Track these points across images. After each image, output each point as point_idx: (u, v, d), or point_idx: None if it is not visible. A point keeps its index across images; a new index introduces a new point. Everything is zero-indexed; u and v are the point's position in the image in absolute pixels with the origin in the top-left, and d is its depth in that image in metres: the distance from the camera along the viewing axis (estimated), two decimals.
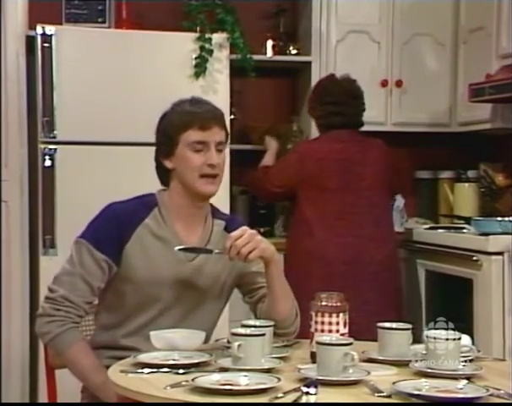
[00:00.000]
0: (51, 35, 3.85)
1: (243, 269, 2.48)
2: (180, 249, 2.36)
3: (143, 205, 2.45)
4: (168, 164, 2.44)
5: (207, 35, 4.05)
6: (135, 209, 2.44)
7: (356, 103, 3.85)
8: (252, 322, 2.24)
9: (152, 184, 2.53)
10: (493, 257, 3.54)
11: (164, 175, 2.48)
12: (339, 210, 3.71)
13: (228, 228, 2.51)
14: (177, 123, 2.41)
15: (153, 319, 2.41)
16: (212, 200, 2.60)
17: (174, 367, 2.05)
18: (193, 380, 1.89)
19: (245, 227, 2.35)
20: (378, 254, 3.72)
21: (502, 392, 1.86)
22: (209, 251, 2.38)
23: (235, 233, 2.30)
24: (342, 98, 3.81)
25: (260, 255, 2.33)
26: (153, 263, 2.40)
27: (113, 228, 2.38)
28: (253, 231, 2.33)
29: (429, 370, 2.00)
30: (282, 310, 2.41)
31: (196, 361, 2.09)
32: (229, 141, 3.97)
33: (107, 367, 2.17)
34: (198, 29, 4.11)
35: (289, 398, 1.80)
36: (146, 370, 2.04)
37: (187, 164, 2.40)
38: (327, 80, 3.99)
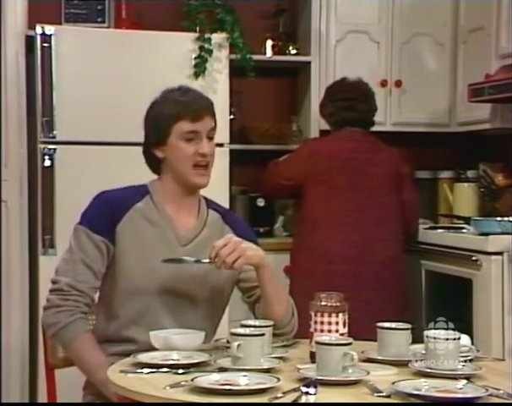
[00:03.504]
0: (50, 35, 3.85)
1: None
2: (165, 261, 2.35)
3: (135, 192, 2.49)
4: (159, 154, 2.46)
5: (206, 35, 4.05)
6: (127, 195, 2.48)
7: (367, 100, 3.90)
8: (251, 322, 2.25)
9: None
10: (493, 257, 3.54)
11: (155, 164, 2.50)
12: (345, 208, 3.73)
13: (227, 220, 2.55)
14: (168, 114, 2.42)
15: (148, 305, 2.40)
16: (212, 200, 2.61)
17: (173, 367, 2.05)
18: (192, 380, 1.89)
19: (230, 235, 2.36)
20: (381, 254, 3.73)
21: (501, 391, 1.86)
22: (196, 261, 2.35)
23: (219, 243, 2.30)
24: (353, 95, 3.86)
25: (246, 262, 2.33)
26: (144, 246, 2.41)
27: (105, 210, 2.42)
28: (238, 239, 2.32)
29: (429, 370, 2.00)
30: (277, 312, 2.41)
31: (196, 361, 2.09)
32: (228, 141, 4.06)
33: (111, 364, 2.18)
34: (197, 29, 4.11)
35: (288, 398, 1.80)
36: (146, 370, 2.04)
37: (179, 154, 2.42)
38: (339, 81, 4.02)
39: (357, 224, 3.72)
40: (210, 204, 2.57)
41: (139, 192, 2.49)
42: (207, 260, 2.32)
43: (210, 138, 2.46)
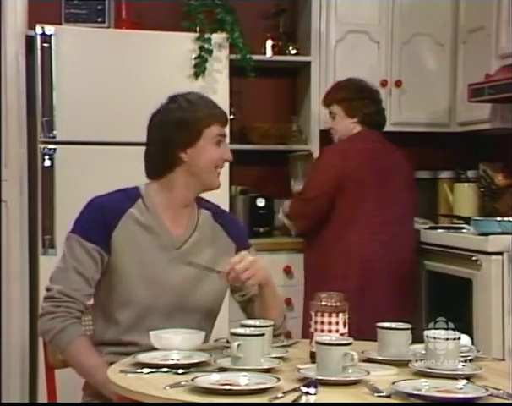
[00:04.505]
0: (50, 35, 3.85)
1: None
2: (189, 264, 2.39)
3: (127, 197, 2.49)
4: (184, 156, 2.45)
5: (206, 35, 4.05)
6: (119, 199, 2.48)
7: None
8: (251, 322, 2.25)
9: None
10: (493, 257, 3.54)
11: (165, 166, 2.48)
12: (375, 207, 3.74)
13: (218, 219, 2.57)
14: (200, 117, 2.45)
15: (146, 309, 2.41)
16: (211, 200, 2.61)
17: (173, 367, 2.05)
18: (192, 380, 1.89)
19: (245, 253, 2.38)
20: (404, 253, 3.81)
21: (501, 391, 1.86)
22: (212, 270, 2.41)
23: (234, 259, 2.34)
24: (380, 99, 3.96)
25: (258, 282, 2.39)
26: (139, 251, 2.42)
27: (99, 217, 2.42)
28: (253, 257, 2.37)
29: (429, 370, 2.00)
30: (271, 317, 2.41)
31: (196, 361, 2.10)
32: (228, 141, 4.05)
33: (109, 363, 2.20)
34: (197, 29, 4.11)
35: (288, 398, 1.80)
36: (146, 370, 2.04)
37: (207, 156, 2.45)
38: (362, 80, 3.96)
39: (385, 223, 3.75)
40: (201, 202, 2.58)
41: (130, 196, 2.49)
42: (219, 270, 2.36)
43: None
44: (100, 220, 2.41)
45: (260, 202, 4.45)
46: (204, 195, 2.56)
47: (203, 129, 2.44)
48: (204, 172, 2.46)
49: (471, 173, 4.62)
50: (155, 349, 2.20)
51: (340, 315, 2.11)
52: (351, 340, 2.01)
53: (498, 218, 3.77)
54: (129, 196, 2.49)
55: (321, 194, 3.75)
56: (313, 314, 2.13)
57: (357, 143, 3.82)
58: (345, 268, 3.68)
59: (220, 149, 2.47)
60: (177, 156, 2.45)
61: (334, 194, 3.72)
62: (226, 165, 4.04)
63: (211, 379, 1.91)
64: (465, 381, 1.92)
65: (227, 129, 2.58)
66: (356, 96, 3.88)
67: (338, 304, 2.12)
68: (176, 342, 2.20)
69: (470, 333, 2.63)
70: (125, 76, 3.96)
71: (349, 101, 3.87)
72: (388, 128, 4.37)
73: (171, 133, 2.45)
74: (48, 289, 2.41)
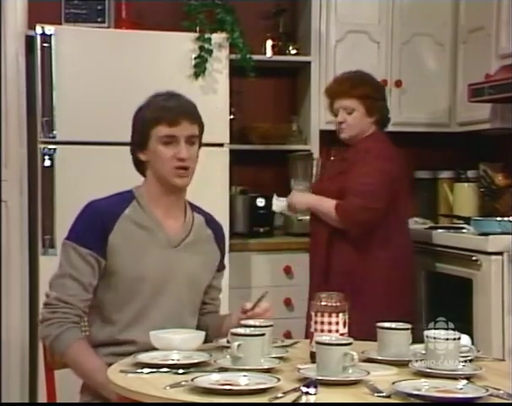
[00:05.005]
0: (50, 35, 3.85)
1: (210, 281, 2.60)
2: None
3: (122, 199, 2.51)
4: (142, 157, 2.50)
5: (206, 35, 4.05)
6: (115, 202, 2.50)
7: None
8: (251, 322, 2.25)
9: None
10: (493, 257, 3.54)
11: (140, 166, 2.54)
12: (407, 208, 3.68)
13: (210, 225, 2.61)
14: (148, 118, 2.47)
15: (144, 307, 2.43)
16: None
17: (174, 367, 2.06)
18: (192, 380, 1.89)
19: (268, 306, 2.41)
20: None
21: (501, 392, 1.86)
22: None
23: (263, 307, 2.39)
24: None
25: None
26: (137, 251, 2.43)
27: (95, 223, 2.43)
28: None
29: (429, 370, 2.00)
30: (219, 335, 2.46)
31: (196, 361, 2.10)
32: (228, 141, 4.05)
33: (108, 364, 2.20)
34: (197, 29, 4.10)
35: (289, 398, 1.81)
36: (146, 370, 2.04)
37: (159, 157, 2.46)
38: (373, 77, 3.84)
39: (408, 224, 3.71)
40: (194, 208, 2.61)
41: (125, 199, 2.51)
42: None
43: (192, 143, 2.48)
44: (96, 224, 2.43)
45: (260, 202, 4.45)
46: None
47: (150, 130, 2.46)
48: (161, 173, 2.47)
49: (471, 173, 4.62)
50: (153, 348, 2.20)
51: (340, 315, 2.11)
52: (351, 340, 2.01)
53: (498, 218, 3.77)
54: (124, 199, 2.51)
55: (386, 202, 3.49)
56: (313, 314, 2.13)
57: (379, 143, 3.63)
58: (388, 275, 3.52)
59: (170, 149, 2.44)
60: (137, 156, 2.51)
61: (391, 200, 3.52)
62: (226, 165, 4.07)
63: (211, 379, 1.91)
64: (465, 381, 1.92)
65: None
66: (377, 95, 3.71)
67: (338, 304, 2.12)
68: (176, 342, 2.20)
69: (470, 333, 2.63)
70: (125, 76, 3.95)
71: (372, 100, 3.65)
72: (388, 128, 4.37)
73: (132, 134, 2.54)
74: (46, 295, 2.43)
